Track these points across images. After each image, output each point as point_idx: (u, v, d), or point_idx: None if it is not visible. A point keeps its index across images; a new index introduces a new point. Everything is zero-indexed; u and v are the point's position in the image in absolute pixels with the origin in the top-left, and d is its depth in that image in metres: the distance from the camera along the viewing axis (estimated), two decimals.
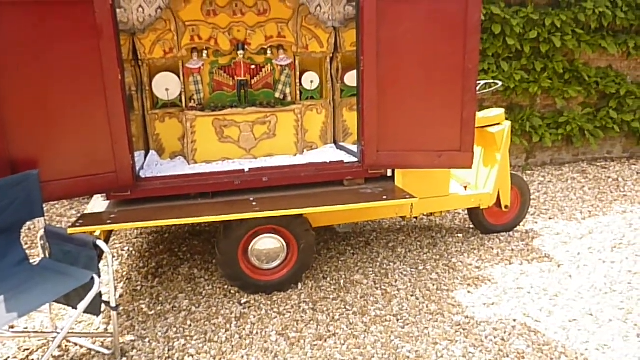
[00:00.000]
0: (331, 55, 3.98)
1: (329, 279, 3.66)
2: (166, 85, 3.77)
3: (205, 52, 3.76)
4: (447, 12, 3.19)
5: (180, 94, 3.81)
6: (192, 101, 3.82)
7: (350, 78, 4.03)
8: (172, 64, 3.75)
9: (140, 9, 3.63)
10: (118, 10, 3.29)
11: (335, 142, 4.18)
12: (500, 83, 4.32)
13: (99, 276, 2.63)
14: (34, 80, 2.78)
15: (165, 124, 3.81)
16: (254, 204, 3.23)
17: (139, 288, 3.56)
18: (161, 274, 3.75)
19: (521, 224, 4.57)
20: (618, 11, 6.13)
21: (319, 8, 3.90)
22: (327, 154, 3.93)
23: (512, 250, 4.12)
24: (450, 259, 3.96)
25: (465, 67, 3.24)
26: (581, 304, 3.34)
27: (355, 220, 3.86)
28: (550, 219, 4.81)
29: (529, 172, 6.38)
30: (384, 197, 3.34)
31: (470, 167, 3.45)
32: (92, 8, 2.83)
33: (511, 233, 4.42)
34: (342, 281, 3.62)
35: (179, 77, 3.77)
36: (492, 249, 4.12)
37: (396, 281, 3.62)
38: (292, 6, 3.74)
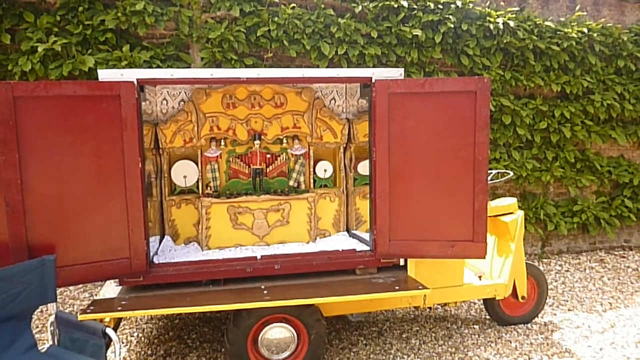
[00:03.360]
0: (344, 145, 4.11)
1: None
2: (184, 173, 3.90)
3: (223, 141, 3.91)
4: (457, 107, 3.31)
5: (198, 181, 3.93)
6: (209, 188, 3.93)
7: (364, 167, 4.13)
8: (191, 153, 3.90)
9: (164, 102, 3.84)
10: (143, 103, 3.48)
11: (348, 230, 4.20)
12: (511, 173, 4.38)
13: None
14: (56, 168, 2.91)
15: (181, 210, 3.90)
16: (265, 292, 3.22)
17: None
18: None
19: (539, 315, 4.44)
20: (626, 103, 6.28)
21: (333, 101, 4.08)
22: (340, 242, 3.95)
23: (531, 344, 3.97)
24: (466, 352, 3.83)
25: (475, 159, 3.32)
26: None
27: (367, 310, 3.80)
28: (569, 310, 4.67)
29: (545, 260, 6.27)
30: (396, 287, 3.31)
31: (484, 258, 3.43)
32: (119, 102, 3.01)
33: (529, 325, 4.28)
34: None
35: (197, 165, 3.91)
36: (510, 342, 3.98)
37: None
38: (308, 99, 3.93)
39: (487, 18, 5.63)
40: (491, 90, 5.35)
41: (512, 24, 5.61)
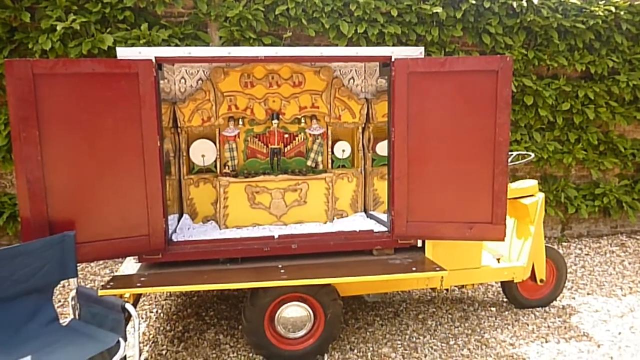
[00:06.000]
0: (363, 125, 4.08)
1: (356, 350, 3.56)
2: (202, 152, 3.91)
3: (241, 120, 3.90)
4: (478, 86, 3.25)
5: (216, 161, 3.94)
6: (227, 167, 3.94)
7: (382, 148, 4.09)
8: (209, 132, 3.90)
9: (182, 80, 3.84)
10: (161, 81, 3.48)
11: (365, 211, 4.19)
12: (532, 155, 4.30)
13: (125, 340, 2.64)
14: (76, 146, 2.94)
15: (199, 189, 3.92)
16: (282, 271, 3.24)
17: (164, 352, 3.54)
18: (187, 339, 3.73)
19: (558, 299, 4.40)
20: None
21: (352, 81, 4.04)
22: (357, 222, 3.94)
23: (549, 327, 3.95)
24: (482, 334, 3.82)
25: (496, 140, 3.26)
26: None
27: (384, 291, 3.80)
28: (588, 294, 4.62)
29: (565, 244, 6.20)
30: (413, 268, 3.30)
31: (503, 240, 3.39)
32: (137, 80, 3.01)
33: (547, 308, 4.25)
34: (369, 354, 3.52)
35: (215, 144, 3.91)
36: (527, 325, 3.96)
37: (426, 356, 3.50)
38: (326, 79, 3.89)
39: None
40: (513, 70, 5.23)
41: (536, 1, 5.46)
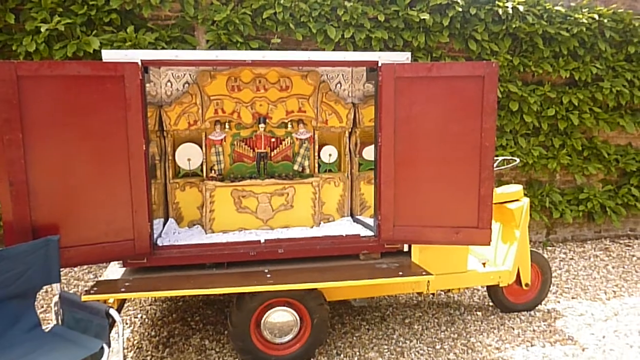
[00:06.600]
0: (350, 130, 4.08)
1: (342, 355, 3.55)
2: (188, 156, 3.88)
3: (227, 124, 3.89)
4: (464, 92, 3.27)
5: (202, 164, 3.92)
6: (213, 171, 3.92)
7: (369, 152, 4.10)
8: (196, 135, 3.88)
9: (169, 84, 3.81)
10: (147, 84, 3.45)
11: (352, 215, 4.19)
12: (517, 160, 4.34)
13: (109, 346, 2.61)
14: (61, 149, 2.90)
15: (185, 193, 3.89)
16: (268, 276, 3.22)
17: (148, 358, 3.50)
18: (172, 344, 3.69)
19: (543, 303, 4.44)
20: (635, 90, 6.18)
21: (339, 85, 4.04)
22: (344, 227, 3.94)
23: (534, 330, 3.97)
24: (468, 338, 3.83)
25: (482, 145, 3.29)
26: None
27: (370, 295, 3.80)
28: (573, 298, 4.66)
29: (549, 248, 6.25)
30: (400, 273, 3.30)
31: (489, 244, 3.41)
32: (123, 83, 2.98)
33: (532, 312, 4.28)
34: (356, 358, 3.51)
35: (201, 147, 3.89)
36: (513, 329, 3.98)
37: None
38: (313, 83, 3.89)
39: (496, 2, 5.55)
40: (499, 76, 5.29)
41: (521, 8, 5.52)
